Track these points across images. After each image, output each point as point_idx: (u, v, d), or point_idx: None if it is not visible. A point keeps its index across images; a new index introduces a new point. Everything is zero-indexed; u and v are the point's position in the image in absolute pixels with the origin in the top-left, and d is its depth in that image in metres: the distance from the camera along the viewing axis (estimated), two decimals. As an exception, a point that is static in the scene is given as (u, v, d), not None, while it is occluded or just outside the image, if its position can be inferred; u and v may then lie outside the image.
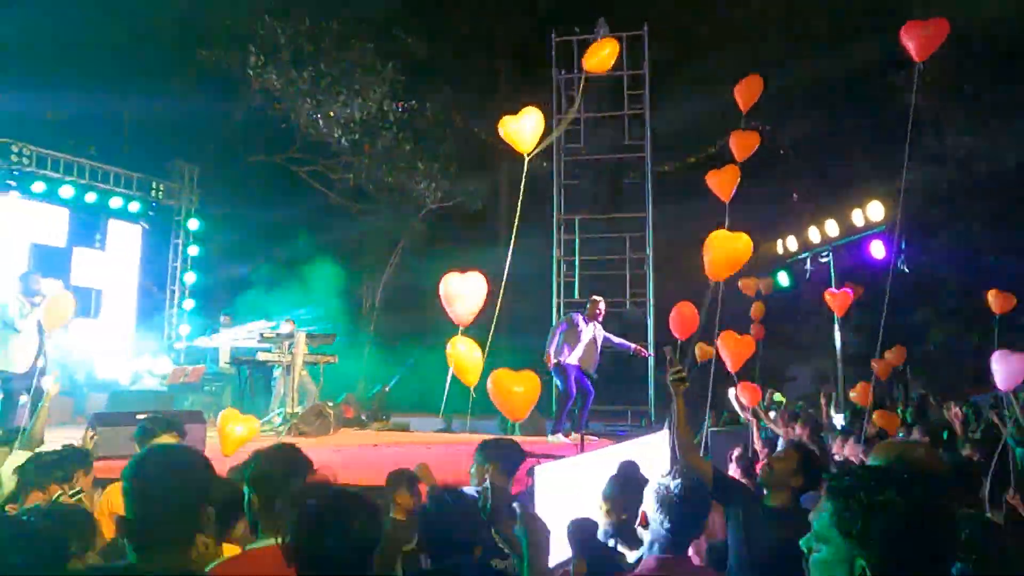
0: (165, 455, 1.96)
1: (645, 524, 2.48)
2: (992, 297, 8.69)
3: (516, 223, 5.31)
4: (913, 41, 5.52)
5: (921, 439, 6.44)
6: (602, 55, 5.73)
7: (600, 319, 8.46)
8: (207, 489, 1.92)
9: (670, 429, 3.44)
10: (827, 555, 1.34)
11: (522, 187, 5.33)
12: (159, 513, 1.82)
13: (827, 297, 8.78)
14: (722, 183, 6.25)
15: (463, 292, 5.30)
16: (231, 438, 4.90)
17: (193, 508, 1.87)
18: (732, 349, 5.70)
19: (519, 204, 5.30)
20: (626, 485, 3.49)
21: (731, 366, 5.55)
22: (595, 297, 8.71)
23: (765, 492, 3.30)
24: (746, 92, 6.40)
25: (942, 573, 1.29)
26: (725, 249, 5.42)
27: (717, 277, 5.35)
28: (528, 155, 5.50)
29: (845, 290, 8.46)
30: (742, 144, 6.33)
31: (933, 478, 2.17)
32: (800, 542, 1.41)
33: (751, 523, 3.10)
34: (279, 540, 1.97)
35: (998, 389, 6.05)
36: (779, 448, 6.09)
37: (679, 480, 2.53)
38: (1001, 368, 5.72)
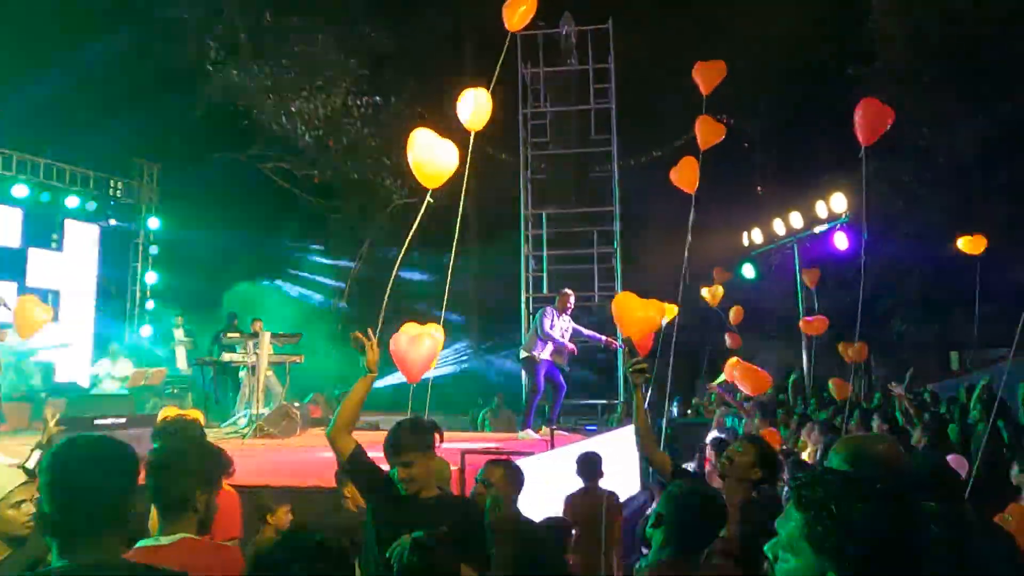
0: (87, 445, 1.87)
1: (659, 524, 2.45)
2: (964, 243, 8.73)
3: (461, 214, 5.15)
4: (861, 125, 5.46)
5: (879, 428, 6.49)
6: (520, 12, 5.57)
7: (569, 312, 8.42)
8: (133, 480, 1.85)
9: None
10: (796, 566, 1.30)
11: (467, 161, 5.18)
12: (82, 506, 1.75)
13: (804, 277, 9.19)
14: (684, 176, 6.16)
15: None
16: None
17: (118, 499, 1.80)
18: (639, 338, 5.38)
19: (465, 183, 5.14)
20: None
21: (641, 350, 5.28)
22: (565, 291, 8.66)
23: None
24: (706, 74, 6.22)
25: None
26: (634, 311, 5.17)
27: (635, 336, 5.13)
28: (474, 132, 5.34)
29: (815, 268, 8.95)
30: (707, 131, 6.19)
31: (905, 478, 2.18)
32: (765, 548, 1.37)
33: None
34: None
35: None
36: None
37: (698, 487, 2.52)
38: None
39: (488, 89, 5.22)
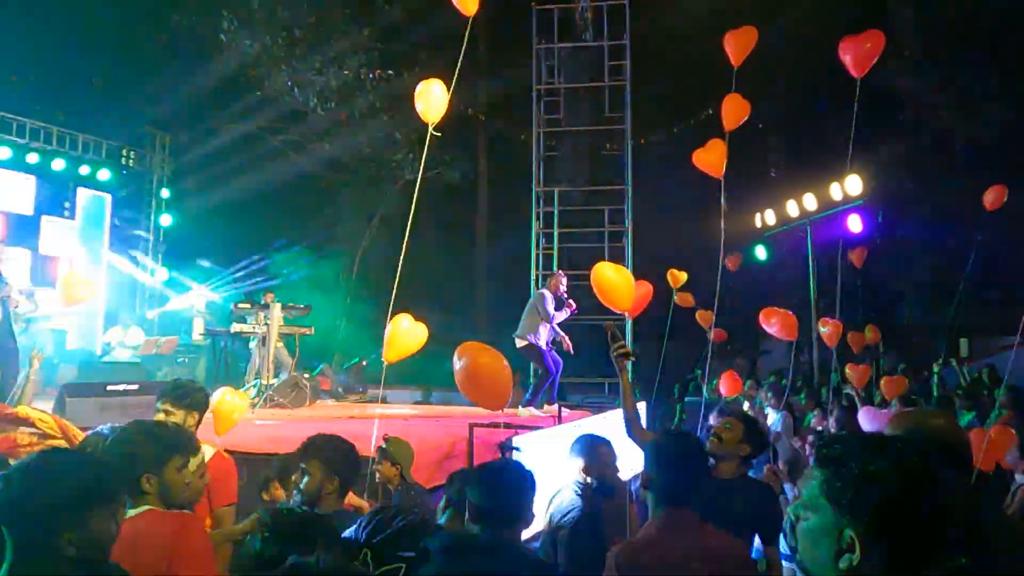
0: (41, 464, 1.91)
1: (647, 485, 2.49)
2: (989, 195, 8.31)
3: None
4: (850, 56, 5.18)
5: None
6: None
7: (560, 295, 8.28)
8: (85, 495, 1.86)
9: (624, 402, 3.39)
10: (815, 523, 1.31)
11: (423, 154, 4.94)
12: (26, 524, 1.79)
13: (851, 256, 8.32)
14: (711, 160, 5.89)
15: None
16: (226, 417, 4.60)
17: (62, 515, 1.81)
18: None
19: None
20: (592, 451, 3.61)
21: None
22: (558, 272, 8.57)
23: (713, 463, 3.32)
24: (737, 44, 5.78)
25: (933, 546, 1.26)
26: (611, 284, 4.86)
27: (622, 310, 4.88)
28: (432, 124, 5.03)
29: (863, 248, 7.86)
30: (733, 109, 5.89)
31: (949, 448, 2.17)
32: (788, 509, 1.39)
33: (702, 495, 3.12)
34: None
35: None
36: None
37: (676, 438, 2.58)
38: (868, 425, 5.43)
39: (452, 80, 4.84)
